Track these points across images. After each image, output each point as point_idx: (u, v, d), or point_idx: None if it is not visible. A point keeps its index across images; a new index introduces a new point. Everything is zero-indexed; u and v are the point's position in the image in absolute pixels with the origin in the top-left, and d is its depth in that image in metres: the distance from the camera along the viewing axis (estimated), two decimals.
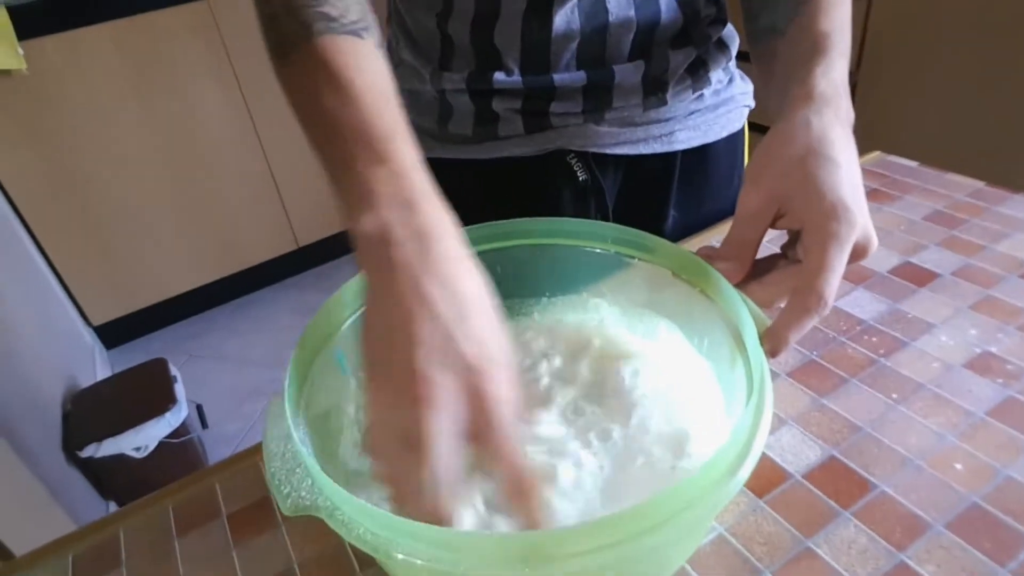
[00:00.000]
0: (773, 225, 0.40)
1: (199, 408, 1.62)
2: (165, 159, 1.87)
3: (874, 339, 0.51)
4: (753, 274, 0.41)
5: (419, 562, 0.29)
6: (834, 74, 0.42)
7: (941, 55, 1.49)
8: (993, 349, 0.48)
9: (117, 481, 1.47)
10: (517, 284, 0.50)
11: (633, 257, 0.47)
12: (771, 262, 0.42)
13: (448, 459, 0.29)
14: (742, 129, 0.68)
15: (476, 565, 0.28)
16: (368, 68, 0.40)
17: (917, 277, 0.56)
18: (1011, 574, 0.35)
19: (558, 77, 0.57)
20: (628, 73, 0.57)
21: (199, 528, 0.45)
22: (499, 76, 0.57)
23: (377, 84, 0.39)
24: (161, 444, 1.45)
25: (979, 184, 0.66)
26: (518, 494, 0.30)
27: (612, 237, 0.47)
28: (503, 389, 0.31)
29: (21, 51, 1.55)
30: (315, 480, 0.32)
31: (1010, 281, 0.54)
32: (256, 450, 0.50)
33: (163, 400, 1.47)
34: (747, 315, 0.38)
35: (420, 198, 0.35)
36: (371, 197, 0.34)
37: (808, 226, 0.37)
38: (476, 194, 0.63)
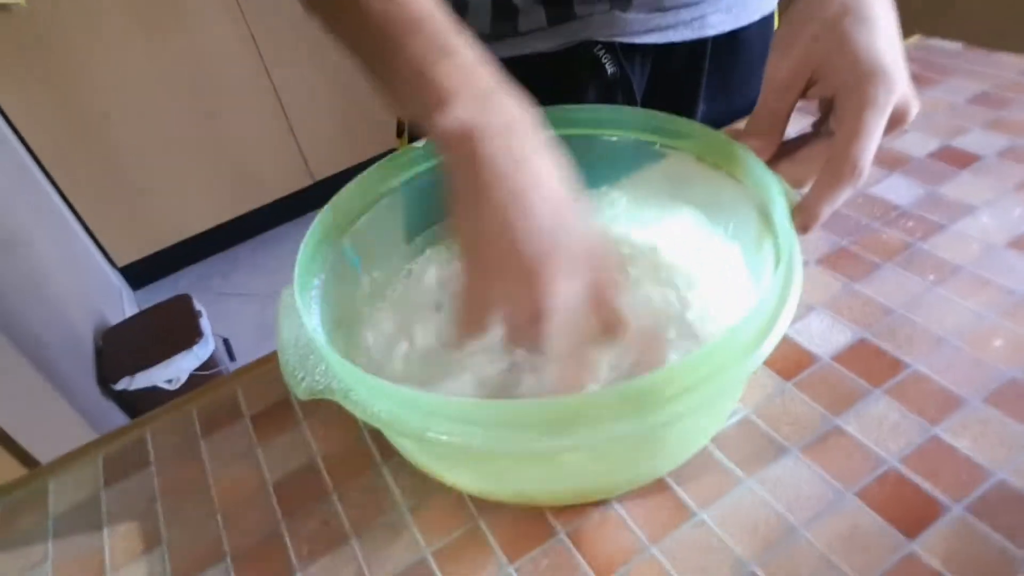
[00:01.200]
0: (803, 95, 0.37)
1: (226, 342, 1.65)
2: (175, 95, 1.84)
3: (910, 223, 0.48)
4: (783, 152, 0.38)
5: (443, 437, 0.28)
6: None
7: None
8: None
9: None
10: None
11: (654, 143, 0.44)
12: (803, 141, 0.39)
13: (574, 334, 0.31)
14: (772, 13, 0.63)
15: (492, 434, 0.28)
16: None
17: (958, 160, 0.53)
18: None
19: None
20: None
21: (223, 430, 0.45)
22: None
23: None
24: (192, 376, 1.48)
25: None
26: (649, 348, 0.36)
27: (633, 122, 0.44)
28: (613, 267, 0.33)
29: None
30: (328, 363, 0.32)
31: None
32: (274, 356, 0.50)
33: (190, 334, 1.49)
34: (776, 189, 0.35)
35: (497, 89, 0.34)
36: (447, 93, 0.33)
37: (842, 91, 0.34)
38: None
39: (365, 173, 0.43)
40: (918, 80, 0.62)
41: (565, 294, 0.30)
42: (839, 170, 0.33)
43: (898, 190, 0.51)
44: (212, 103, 1.90)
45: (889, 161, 0.54)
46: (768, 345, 0.29)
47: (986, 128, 0.55)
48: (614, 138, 0.46)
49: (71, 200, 1.82)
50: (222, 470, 0.42)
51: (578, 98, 0.60)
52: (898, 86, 0.33)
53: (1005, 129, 0.54)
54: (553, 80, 0.60)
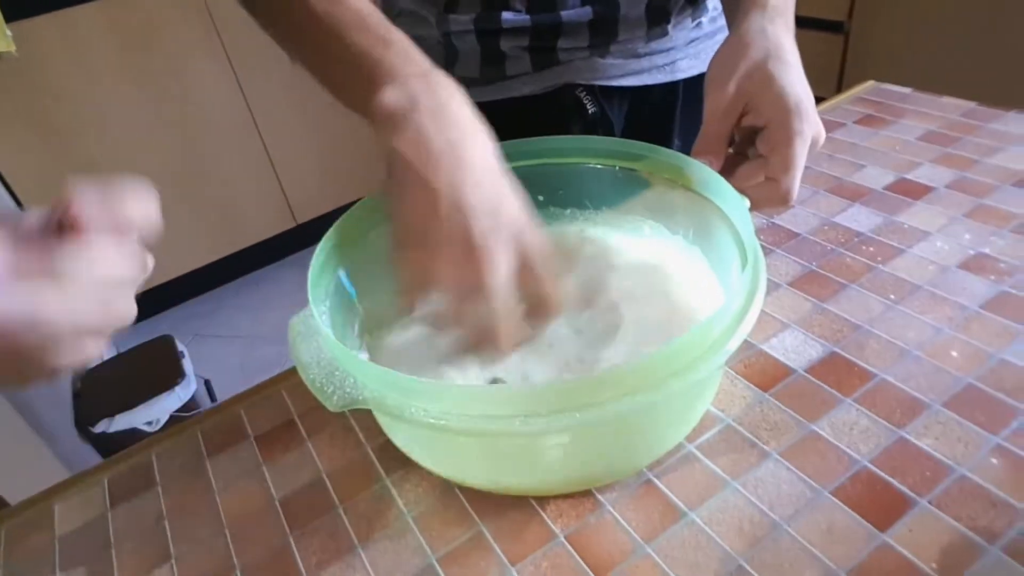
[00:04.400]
0: (736, 123, 0.43)
1: (207, 383, 1.64)
2: (161, 140, 1.86)
3: (871, 248, 0.52)
4: (724, 170, 0.44)
5: (490, 426, 0.31)
6: None
7: None
8: (986, 250, 0.50)
9: None
10: None
11: (614, 166, 0.48)
12: (737, 160, 0.45)
13: (511, 301, 0.36)
14: None
15: (545, 418, 0.30)
16: None
17: (912, 191, 0.57)
18: (1004, 440, 0.37)
19: (565, 14, 0.58)
20: (633, 4, 0.58)
21: (229, 450, 0.46)
22: (507, 15, 0.58)
23: None
24: (172, 418, 1.47)
25: (971, 104, 0.67)
26: (543, 313, 0.39)
27: (594, 150, 0.48)
28: (540, 241, 0.37)
29: (10, 33, 1.53)
30: (359, 376, 0.33)
31: (1004, 190, 0.56)
32: (274, 381, 0.51)
33: (171, 375, 1.48)
34: (736, 197, 0.40)
35: (431, 69, 0.38)
36: (388, 74, 0.37)
37: (773, 124, 0.41)
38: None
39: (360, 202, 0.45)
40: (873, 121, 0.68)
41: (506, 269, 0.35)
42: (775, 196, 0.41)
43: (859, 219, 0.56)
44: (198, 147, 1.93)
45: (850, 193, 0.59)
46: (738, 338, 0.32)
47: (935, 163, 0.60)
48: (581, 165, 0.50)
49: None
50: (229, 488, 0.44)
51: (562, 134, 0.64)
52: (814, 120, 0.41)
53: (952, 164, 0.60)
54: (538, 120, 0.64)
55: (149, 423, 1.45)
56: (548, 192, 0.51)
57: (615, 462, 0.37)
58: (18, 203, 1.72)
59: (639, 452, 0.38)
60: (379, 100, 0.37)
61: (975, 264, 0.49)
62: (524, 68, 0.61)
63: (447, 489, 0.40)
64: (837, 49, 1.70)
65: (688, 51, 0.63)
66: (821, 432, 0.40)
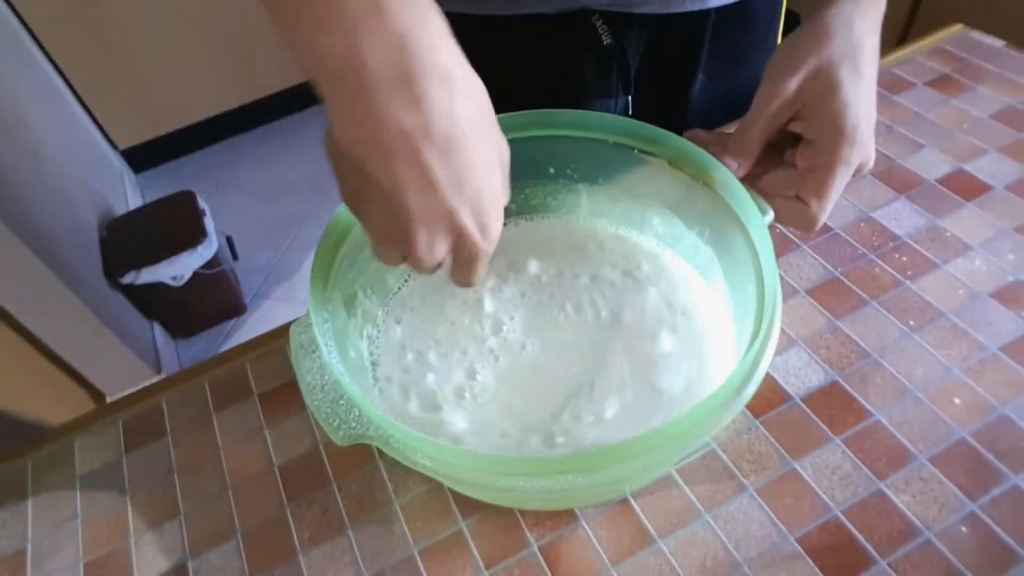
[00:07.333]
0: (784, 125, 0.39)
1: (229, 240, 1.67)
2: None
3: (904, 258, 0.49)
4: (750, 173, 0.40)
5: (483, 479, 0.31)
6: None
7: None
8: None
9: (159, 306, 1.57)
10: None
11: (633, 148, 0.44)
12: (766, 163, 0.40)
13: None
14: None
15: (513, 480, 0.30)
16: None
17: (967, 189, 0.52)
18: (979, 508, 0.38)
19: None
20: None
21: (234, 406, 0.48)
22: None
23: None
24: (196, 275, 1.52)
25: None
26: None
27: (614, 128, 0.44)
28: (491, 238, 0.32)
29: None
30: (363, 413, 0.33)
31: None
32: (280, 333, 0.52)
33: (194, 233, 1.51)
34: (759, 220, 0.37)
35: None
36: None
37: (820, 143, 0.37)
38: (495, 57, 0.57)
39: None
40: (948, 86, 0.60)
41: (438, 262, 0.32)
42: (801, 217, 0.38)
43: (900, 218, 0.51)
44: None
45: (899, 183, 0.54)
46: (736, 407, 0.31)
47: (1003, 151, 0.54)
48: (598, 140, 0.45)
49: (72, 82, 1.77)
50: (233, 447, 0.46)
51: (574, 66, 0.58)
52: (867, 146, 0.37)
53: (1021, 156, 0.54)
54: (551, 46, 0.58)
55: (174, 278, 1.50)
56: (559, 165, 0.48)
57: (606, 495, 0.39)
58: (37, 41, 1.65)
59: (630, 486, 0.39)
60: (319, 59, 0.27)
61: (1009, 294, 0.46)
62: None
63: (435, 482, 0.43)
64: None
65: None
66: (802, 472, 0.40)
